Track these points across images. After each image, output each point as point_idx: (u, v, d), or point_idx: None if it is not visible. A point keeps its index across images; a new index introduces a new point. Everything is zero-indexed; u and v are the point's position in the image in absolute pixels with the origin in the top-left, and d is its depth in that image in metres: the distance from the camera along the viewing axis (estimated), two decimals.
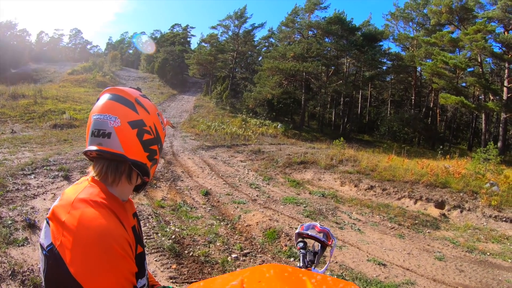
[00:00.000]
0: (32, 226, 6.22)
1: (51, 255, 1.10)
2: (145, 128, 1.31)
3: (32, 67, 46.76)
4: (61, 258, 1.07)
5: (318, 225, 2.03)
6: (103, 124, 1.25)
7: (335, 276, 5.71)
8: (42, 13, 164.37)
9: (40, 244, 1.19)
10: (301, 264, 1.90)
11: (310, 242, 2.06)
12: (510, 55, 27.27)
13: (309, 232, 2.01)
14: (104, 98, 1.30)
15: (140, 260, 1.31)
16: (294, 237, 2.09)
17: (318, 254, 1.96)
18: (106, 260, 1.06)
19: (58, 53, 69.13)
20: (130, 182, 1.35)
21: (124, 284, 1.10)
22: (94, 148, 1.26)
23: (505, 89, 27.27)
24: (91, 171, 1.34)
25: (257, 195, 10.73)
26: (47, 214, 1.22)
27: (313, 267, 1.89)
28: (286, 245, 6.83)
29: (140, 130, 1.29)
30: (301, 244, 2.01)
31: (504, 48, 27.68)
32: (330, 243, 1.99)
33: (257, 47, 51.17)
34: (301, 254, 1.94)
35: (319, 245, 2.01)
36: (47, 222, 1.19)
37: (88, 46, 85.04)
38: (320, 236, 1.99)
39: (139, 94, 1.36)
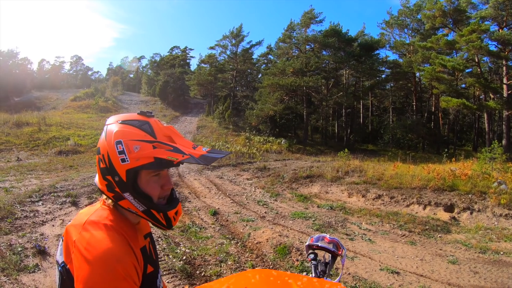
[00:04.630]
0: (42, 253, 6.31)
1: (64, 271, 1.23)
2: (99, 156, 1.29)
3: (35, 95, 47.27)
4: (72, 275, 1.18)
5: (328, 236, 2.08)
6: None
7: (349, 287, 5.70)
8: (43, 41, 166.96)
9: (56, 261, 1.31)
10: (313, 275, 1.93)
11: (320, 253, 2.09)
12: (506, 52, 27.31)
13: (319, 243, 2.05)
14: None
15: (151, 280, 1.37)
16: (305, 250, 2.12)
17: (329, 264, 2.00)
18: (108, 280, 1.11)
19: (60, 80, 69.67)
20: None
21: None
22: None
23: (504, 86, 27.23)
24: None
25: (265, 212, 10.72)
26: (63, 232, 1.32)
27: (325, 277, 1.92)
28: (297, 260, 6.80)
29: (99, 159, 1.30)
30: (312, 256, 2.04)
31: (500, 46, 27.74)
32: (340, 252, 2.02)
33: (256, 65, 51.18)
34: (312, 265, 1.98)
35: (330, 255, 2.05)
36: (62, 240, 1.31)
37: (89, 73, 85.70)
38: (330, 246, 2.03)
39: (116, 119, 1.32)
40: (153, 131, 1.28)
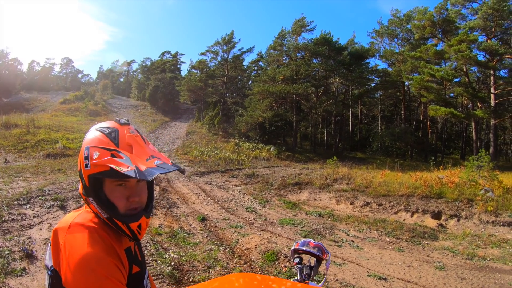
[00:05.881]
0: (29, 256, 6.23)
1: (55, 274, 1.21)
2: (78, 162, 1.35)
3: (24, 96, 46.83)
4: (61, 278, 1.17)
5: (312, 241, 2.10)
6: None
7: None
8: (34, 42, 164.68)
9: (45, 265, 1.30)
10: (298, 278, 1.96)
11: (306, 257, 2.11)
12: (494, 62, 27.80)
13: (304, 248, 2.07)
14: None
15: (137, 280, 1.38)
16: (290, 254, 2.14)
17: (314, 267, 2.02)
18: (91, 282, 1.13)
19: (50, 82, 68.33)
20: None
21: None
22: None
23: (492, 96, 27.68)
24: None
25: (253, 219, 10.69)
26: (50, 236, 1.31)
27: (310, 280, 1.95)
28: (285, 266, 6.79)
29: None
30: (297, 260, 2.07)
31: (488, 56, 28.20)
32: (324, 256, 2.04)
33: (247, 71, 51.32)
34: (298, 269, 2.00)
35: (315, 259, 2.07)
36: (50, 244, 1.29)
37: (80, 75, 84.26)
38: (315, 251, 2.05)
39: (95, 126, 1.36)
40: (118, 139, 1.30)
